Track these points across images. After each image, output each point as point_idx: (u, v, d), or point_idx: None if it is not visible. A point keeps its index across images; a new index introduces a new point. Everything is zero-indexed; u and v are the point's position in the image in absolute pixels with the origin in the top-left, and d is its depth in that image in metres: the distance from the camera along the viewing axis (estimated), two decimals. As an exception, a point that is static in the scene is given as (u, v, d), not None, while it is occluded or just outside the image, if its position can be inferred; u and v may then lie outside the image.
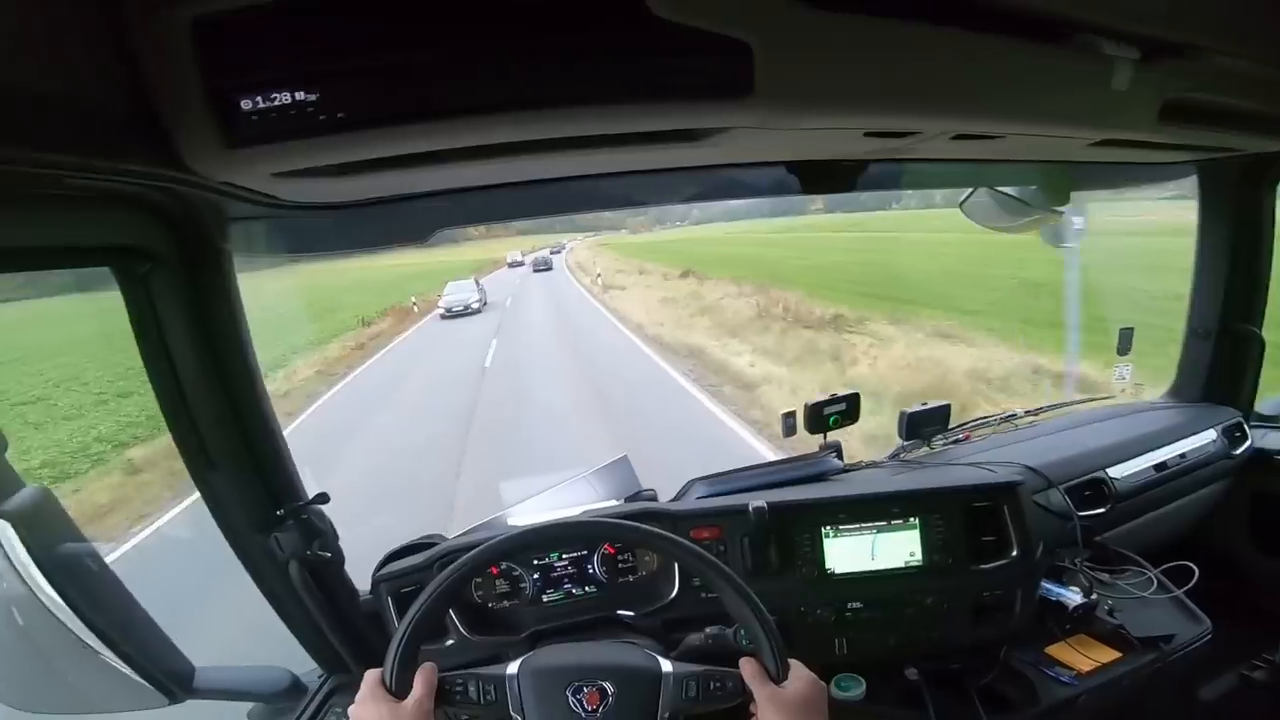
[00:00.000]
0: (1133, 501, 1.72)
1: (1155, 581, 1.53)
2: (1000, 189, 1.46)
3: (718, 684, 0.93)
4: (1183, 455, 1.82)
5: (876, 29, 0.70)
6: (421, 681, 0.88)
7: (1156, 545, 1.68)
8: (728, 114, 0.73)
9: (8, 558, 0.88)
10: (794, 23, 0.66)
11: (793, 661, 0.94)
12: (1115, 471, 1.73)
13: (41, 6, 0.53)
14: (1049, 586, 1.47)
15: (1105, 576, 1.55)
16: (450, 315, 19.94)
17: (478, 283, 22.64)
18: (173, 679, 1.07)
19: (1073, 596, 1.44)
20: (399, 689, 0.88)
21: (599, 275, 27.93)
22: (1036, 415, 1.96)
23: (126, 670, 1.00)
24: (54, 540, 0.92)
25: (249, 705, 1.36)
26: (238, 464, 1.11)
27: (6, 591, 0.91)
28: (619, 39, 0.64)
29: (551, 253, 46.41)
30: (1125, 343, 2.03)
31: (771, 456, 3.64)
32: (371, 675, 0.90)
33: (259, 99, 0.62)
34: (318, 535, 1.19)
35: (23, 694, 1.04)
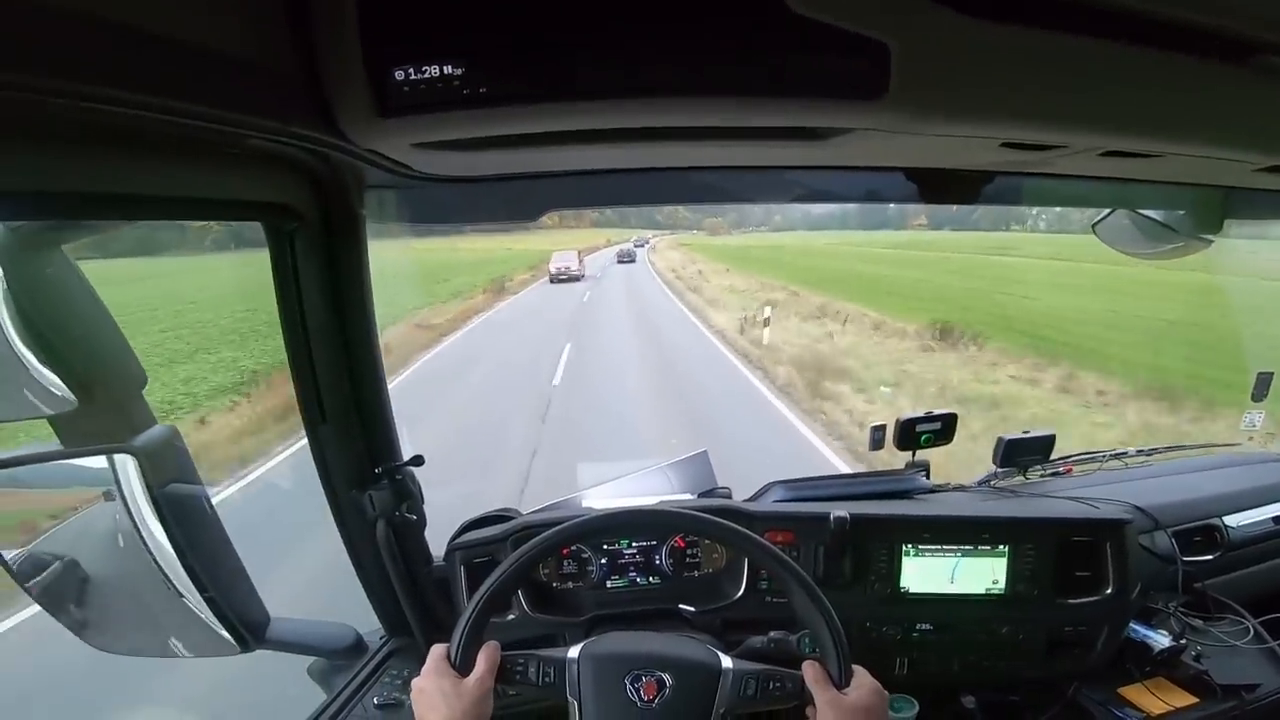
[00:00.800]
0: (1245, 551, 1.62)
1: (1251, 631, 1.44)
2: (1142, 212, 1.35)
3: (777, 684, 0.91)
4: None
5: (1026, 37, 0.66)
6: (484, 659, 0.90)
7: (1263, 596, 1.57)
8: (858, 115, 0.71)
9: (123, 493, 0.93)
10: (936, 25, 0.63)
11: (857, 668, 0.92)
12: (1231, 520, 1.62)
13: None
14: (1135, 627, 1.41)
15: (1199, 623, 1.47)
16: (556, 280, 24.62)
17: (578, 254, 28.01)
18: (249, 628, 1.11)
19: (1160, 639, 1.37)
20: (463, 665, 0.90)
21: (700, 282, 23.34)
22: (1150, 455, 1.84)
23: (207, 616, 1.04)
24: (173, 479, 0.97)
25: (310, 659, 1.39)
26: (346, 420, 1.17)
27: (115, 527, 0.96)
28: (757, 32, 0.63)
29: (635, 245, 45.63)
30: (1262, 389, 1.88)
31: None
32: (437, 650, 0.92)
33: (410, 70, 0.64)
34: (407, 497, 1.24)
35: (100, 632, 1.08)
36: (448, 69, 0.64)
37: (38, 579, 0.97)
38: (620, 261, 35.65)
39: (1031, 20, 0.65)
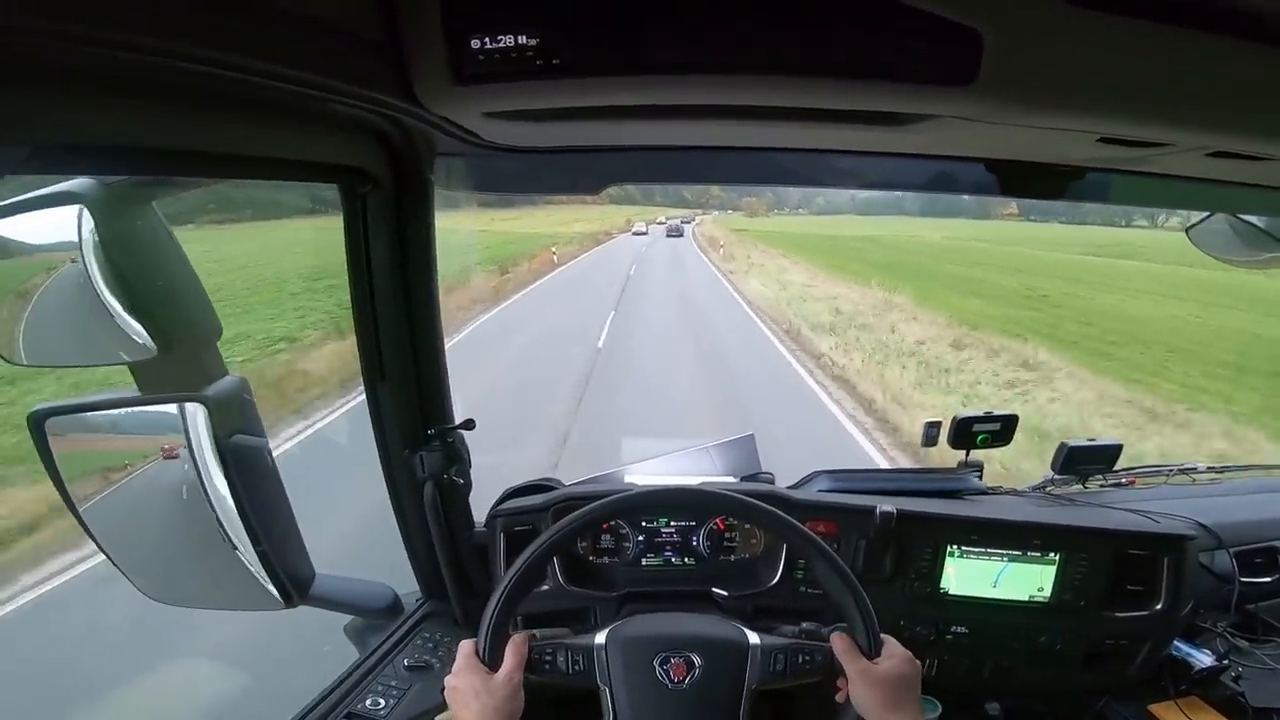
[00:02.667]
0: None
1: None
2: (1244, 217, 1.26)
3: (806, 657, 0.92)
4: None
5: (1131, 29, 0.62)
6: (512, 653, 0.91)
7: None
8: (944, 101, 0.68)
9: (190, 442, 0.95)
10: (1033, 14, 0.60)
11: (886, 638, 0.92)
12: None
13: None
14: (1178, 644, 1.38)
15: (1244, 644, 1.42)
16: (636, 235, 39.47)
17: (646, 223, 42.26)
18: (296, 584, 1.12)
19: (1202, 658, 1.34)
20: (491, 661, 0.91)
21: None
22: (1221, 473, 1.76)
23: (255, 570, 1.05)
24: (240, 430, 0.98)
25: (347, 617, 1.41)
26: (404, 379, 1.19)
27: (181, 478, 0.97)
28: (842, 12, 0.62)
29: (683, 222, 46.19)
30: None
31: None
32: (465, 646, 0.93)
33: (486, 39, 0.64)
34: (457, 460, 1.26)
35: (157, 583, 1.10)
36: (522, 39, 0.64)
37: (103, 526, 1.01)
38: (669, 235, 39.67)
39: (1134, 11, 0.61)
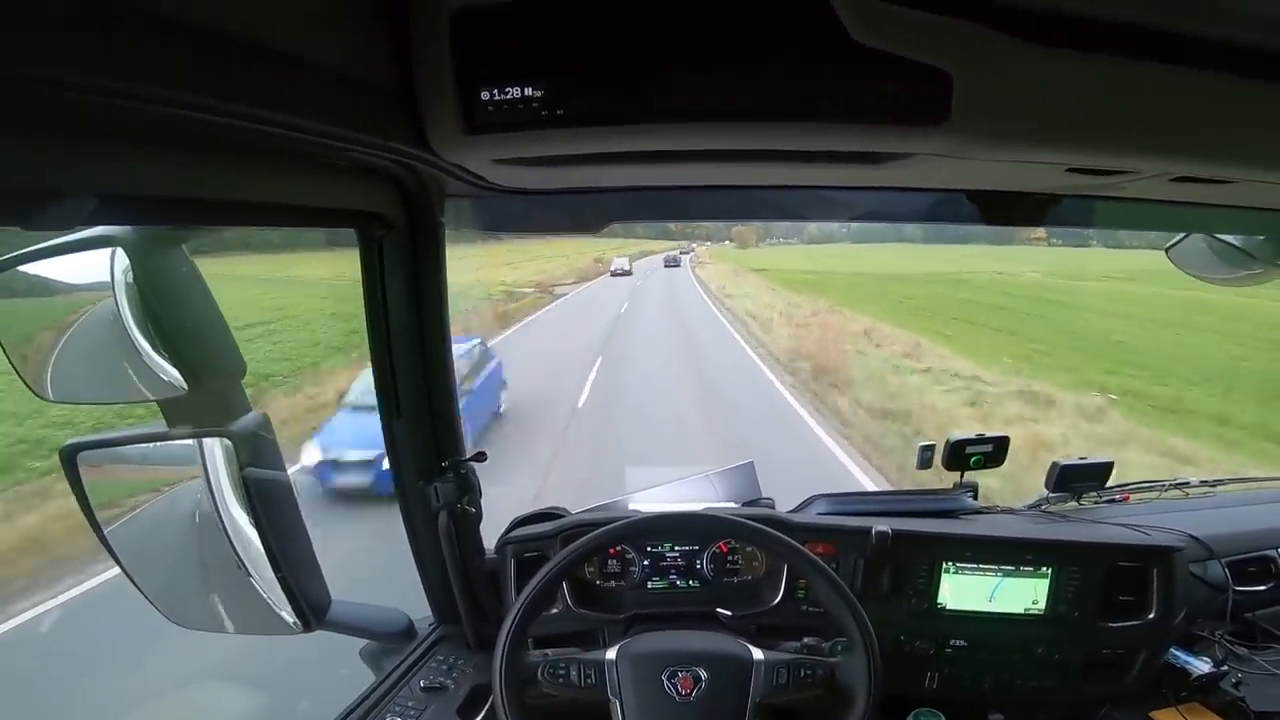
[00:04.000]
0: None
1: None
2: (1219, 236, 1.32)
3: (808, 671, 0.96)
4: None
5: (1089, 63, 0.67)
6: None
7: None
8: (920, 140, 0.73)
9: (208, 475, 0.99)
10: (996, 53, 0.65)
11: None
12: None
13: None
14: (1176, 653, 1.38)
15: (1243, 651, 1.42)
16: (615, 275, 28.45)
17: (629, 260, 31.38)
18: (313, 609, 1.15)
19: (1200, 665, 1.34)
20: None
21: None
22: (1214, 487, 1.77)
23: (273, 596, 1.08)
24: (261, 462, 1.01)
25: (362, 642, 1.43)
26: (419, 414, 1.23)
27: (196, 507, 1.02)
28: (822, 60, 0.66)
29: (682, 253, 44.32)
30: None
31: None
32: None
33: (495, 91, 0.69)
34: (469, 490, 1.30)
35: (179, 607, 1.13)
36: (529, 90, 0.68)
37: (127, 550, 1.03)
38: (666, 266, 35.20)
39: (1094, 47, 0.65)
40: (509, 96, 0.69)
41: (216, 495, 1.02)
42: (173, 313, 0.84)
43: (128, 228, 0.82)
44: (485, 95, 0.69)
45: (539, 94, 0.69)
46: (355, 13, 0.65)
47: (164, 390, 0.88)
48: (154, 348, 0.85)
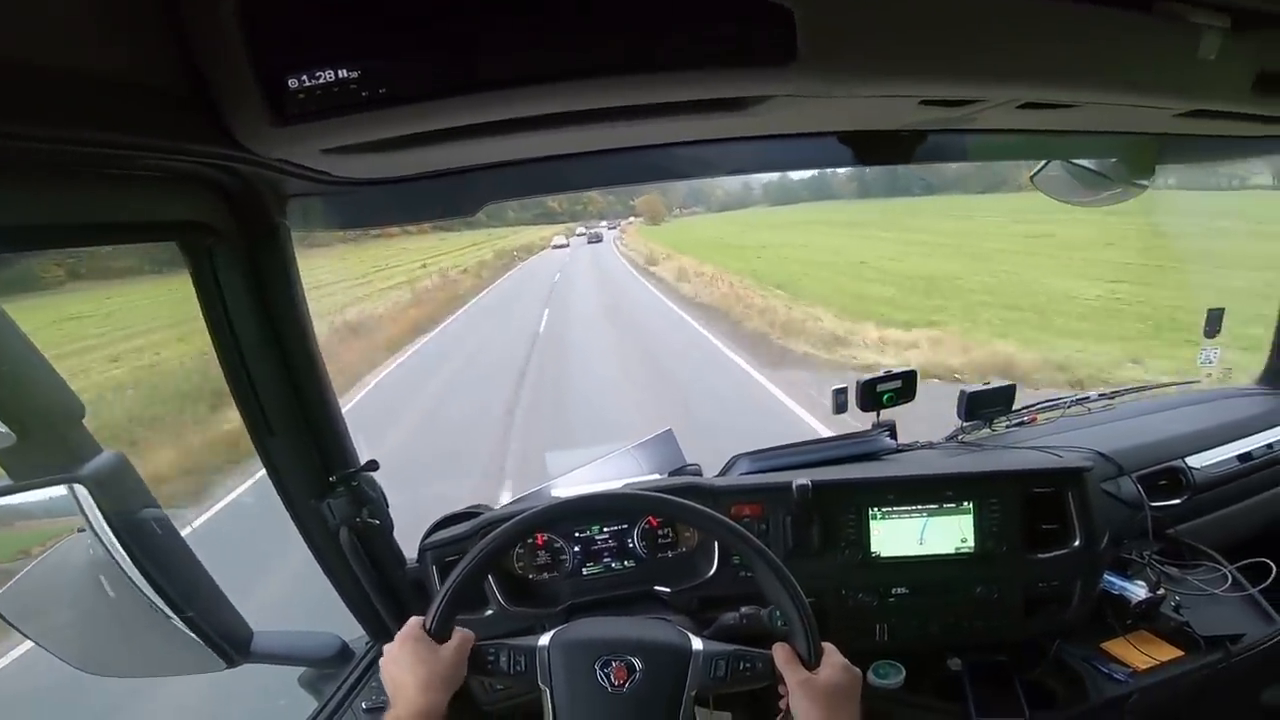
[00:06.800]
0: (1212, 494, 1.63)
1: (1229, 578, 1.46)
2: (1076, 161, 1.37)
3: (747, 665, 0.93)
4: (1270, 445, 1.70)
5: None
6: (459, 637, 0.92)
7: (1235, 541, 1.59)
8: (770, 82, 0.71)
9: (90, 522, 0.93)
10: None
11: (827, 646, 0.93)
12: (1195, 461, 1.63)
13: None
14: (1111, 579, 1.41)
15: (1175, 571, 1.48)
16: (555, 248, 36.71)
17: (566, 236, 39.48)
18: (233, 644, 1.12)
19: (1137, 591, 1.38)
20: (439, 634, 0.92)
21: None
22: (1112, 399, 1.86)
23: (190, 634, 1.04)
24: (129, 504, 0.97)
25: (300, 669, 1.41)
26: (295, 431, 1.16)
27: (90, 556, 0.96)
28: (657, 7, 0.63)
29: (608, 228, 43.67)
30: (1214, 324, 1.89)
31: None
32: (414, 620, 0.94)
33: (304, 77, 0.63)
34: (367, 502, 1.24)
35: (91, 657, 1.09)
36: (342, 73, 0.63)
37: (24, 613, 0.99)
38: (590, 242, 39.09)
39: None
40: (320, 81, 0.64)
41: (105, 541, 0.96)
42: None
43: None
44: (294, 83, 0.64)
45: (354, 75, 0.64)
46: (132, 18, 0.60)
47: (-11, 443, 0.80)
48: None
